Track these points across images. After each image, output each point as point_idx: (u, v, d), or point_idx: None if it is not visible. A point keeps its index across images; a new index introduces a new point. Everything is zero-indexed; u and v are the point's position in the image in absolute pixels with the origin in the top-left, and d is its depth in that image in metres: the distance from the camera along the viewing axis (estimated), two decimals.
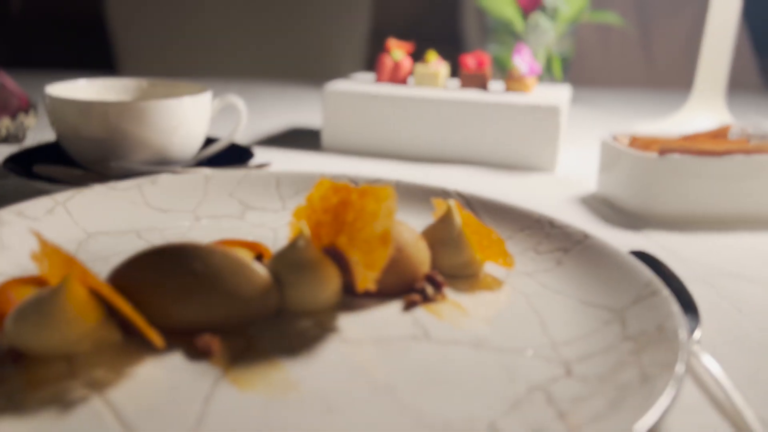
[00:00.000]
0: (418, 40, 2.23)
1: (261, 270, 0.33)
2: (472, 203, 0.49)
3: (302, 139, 0.80)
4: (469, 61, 0.74)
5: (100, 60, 1.75)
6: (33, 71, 1.36)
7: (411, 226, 0.46)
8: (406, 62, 0.76)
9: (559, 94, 0.73)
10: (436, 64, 0.75)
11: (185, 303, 0.31)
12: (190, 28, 1.69)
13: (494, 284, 0.39)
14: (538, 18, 0.94)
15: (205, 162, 0.60)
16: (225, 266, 0.32)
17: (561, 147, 0.68)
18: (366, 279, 0.33)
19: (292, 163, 0.69)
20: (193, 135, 0.56)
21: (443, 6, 2.39)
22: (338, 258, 0.36)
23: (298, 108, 1.04)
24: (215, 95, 0.61)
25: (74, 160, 0.55)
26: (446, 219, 0.40)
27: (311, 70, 1.66)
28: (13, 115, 0.71)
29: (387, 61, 0.76)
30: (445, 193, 0.50)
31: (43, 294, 0.30)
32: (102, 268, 0.38)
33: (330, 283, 0.34)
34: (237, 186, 0.51)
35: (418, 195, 0.51)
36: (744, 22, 1.90)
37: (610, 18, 1.02)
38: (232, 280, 0.32)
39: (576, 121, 0.97)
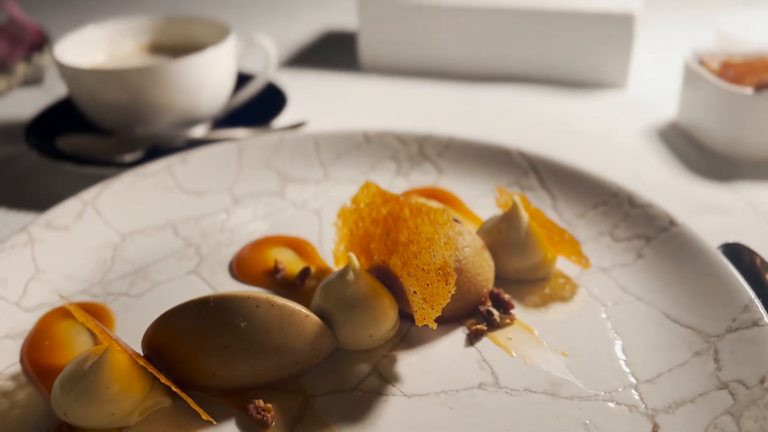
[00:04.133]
0: None
1: (311, 317, 0.30)
2: (538, 167, 0.43)
3: (336, 51, 0.72)
4: None
5: None
6: None
7: (462, 200, 0.42)
8: None
9: None
10: None
11: (233, 364, 0.29)
12: None
13: (567, 289, 0.35)
14: None
15: (235, 112, 0.55)
16: (272, 319, 0.29)
17: (635, 60, 0.60)
18: (425, 315, 0.30)
19: (330, 90, 0.63)
20: (219, 88, 0.50)
21: None
22: (391, 280, 0.32)
23: (341, 4, 0.94)
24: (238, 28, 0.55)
25: (99, 128, 0.51)
26: (511, 219, 0.35)
27: None
28: (28, 54, 0.66)
29: None
30: (506, 154, 0.45)
31: (85, 367, 0.27)
32: (142, 286, 0.36)
33: (386, 319, 0.31)
34: (273, 154, 0.46)
35: (476, 155, 0.46)
36: None
37: None
38: (280, 333, 0.29)
39: (657, 22, 0.85)
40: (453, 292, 0.29)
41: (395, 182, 0.45)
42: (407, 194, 0.43)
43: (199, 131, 0.53)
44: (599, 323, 0.33)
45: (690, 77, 0.50)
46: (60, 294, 0.34)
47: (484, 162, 0.45)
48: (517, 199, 0.36)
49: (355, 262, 0.31)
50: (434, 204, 0.35)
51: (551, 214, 0.41)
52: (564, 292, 0.35)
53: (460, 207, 0.42)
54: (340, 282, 0.31)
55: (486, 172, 0.45)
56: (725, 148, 0.48)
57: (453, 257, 0.29)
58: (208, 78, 0.49)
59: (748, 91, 0.45)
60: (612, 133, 0.53)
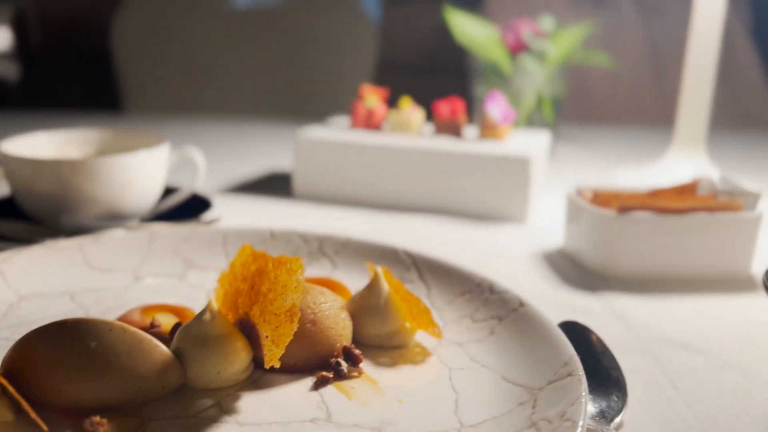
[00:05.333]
0: (429, 72, 2.22)
1: (161, 347, 0.32)
2: (418, 263, 0.48)
3: (278, 184, 0.79)
4: (443, 107, 0.73)
5: (107, 97, 1.79)
6: (39, 111, 1.39)
7: (350, 290, 0.45)
8: (380, 108, 0.75)
9: (535, 142, 0.71)
10: (409, 110, 0.74)
11: (78, 381, 0.30)
12: (195, 66, 1.71)
13: (421, 356, 0.38)
14: (525, 61, 0.94)
15: (162, 215, 0.60)
16: (121, 343, 0.31)
17: (533, 198, 0.67)
18: (272, 355, 0.32)
19: (260, 212, 0.69)
20: (147, 190, 0.56)
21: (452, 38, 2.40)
22: (251, 329, 0.35)
23: (286, 150, 1.03)
24: (195, 141, 0.61)
25: (30, 216, 0.55)
26: (373, 287, 0.39)
27: (316, 108, 1.67)
28: None
29: (360, 108, 0.75)
30: (393, 252, 0.49)
31: None
32: (23, 333, 0.38)
33: (236, 360, 0.33)
34: (183, 243, 0.50)
35: (369, 253, 0.50)
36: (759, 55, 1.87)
37: (601, 59, 1.01)
38: (127, 358, 0.31)
39: (562, 166, 0.95)
40: (304, 327, 0.32)
41: None
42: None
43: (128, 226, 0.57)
44: (441, 381, 0.35)
45: (571, 206, 0.56)
46: None
47: (374, 259, 0.49)
48: (380, 270, 0.39)
49: (213, 304, 0.34)
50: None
51: (425, 302, 0.44)
52: (416, 357, 0.38)
53: (344, 292, 0.46)
54: (197, 321, 0.34)
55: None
56: (599, 267, 0.53)
57: (300, 298, 0.33)
58: (137, 176, 0.54)
59: (612, 213, 0.51)
60: (506, 257, 0.58)
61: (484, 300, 0.42)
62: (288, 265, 0.34)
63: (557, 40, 0.97)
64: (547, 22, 0.96)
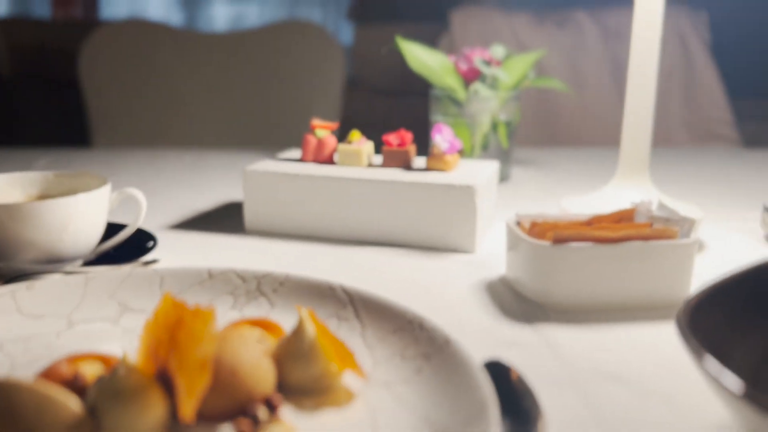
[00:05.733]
0: (400, 94, 2.22)
1: (72, 405, 0.32)
2: (355, 300, 0.48)
3: (232, 217, 0.79)
4: (392, 138, 0.74)
5: (76, 128, 1.78)
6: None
7: (285, 331, 0.45)
8: (330, 140, 0.76)
9: (482, 170, 0.72)
10: (358, 142, 0.75)
11: None
12: (163, 95, 1.71)
13: (346, 399, 0.38)
14: (478, 88, 0.95)
15: (106, 255, 0.60)
16: (28, 404, 0.31)
17: (481, 227, 0.68)
18: (185, 407, 0.32)
19: (210, 247, 0.69)
20: (87, 232, 0.55)
21: None
22: (169, 382, 0.35)
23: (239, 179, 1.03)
24: (137, 183, 0.61)
25: None
26: (298, 330, 0.39)
27: (288, 135, 1.68)
28: None
29: (311, 140, 0.76)
30: (330, 289, 0.49)
31: None
32: None
33: (151, 413, 0.33)
34: (119, 286, 0.50)
35: (307, 291, 0.50)
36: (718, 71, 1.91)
37: (554, 84, 1.03)
38: (35, 419, 0.31)
39: (515, 192, 0.96)
40: (222, 377, 0.32)
41: (229, 314, 0.49)
42: (236, 323, 0.47)
43: (67, 269, 0.57)
44: (363, 424, 0.35)
45: (510, 236, 0.57)
46: None
47: (312, 296, 0.49)
48: (304, 312, 0.39)
49: (129, 358, 0.34)
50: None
51: (358, 340, 0.44)
52: (342, 401, 0.38)
53: (280, 334, 0.46)
54: (111, 375, 0.33)
55: (311, 304, 0.49)
56: (537, 297, 0.54)
57: (213, 349, 0.33)
58: (75, 219, 0.54)
59: (547, 243, 0.52)
60: (449, 289, 0.58)
61: (414, 338, 0.42)
62: (203, 316, 0.34)
63: (509, 67, 0.98)
64: (498, 51, 0.97)
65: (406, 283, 0.59)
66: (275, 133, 1.72)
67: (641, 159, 0.71)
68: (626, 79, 0.70)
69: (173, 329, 0.36)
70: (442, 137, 0.72)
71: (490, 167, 0.74)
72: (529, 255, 0.53)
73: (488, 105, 0.96)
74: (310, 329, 0.39)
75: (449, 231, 0.67)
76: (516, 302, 0.55)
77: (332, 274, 0.62)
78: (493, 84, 0.96)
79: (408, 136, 0.74)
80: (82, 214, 0.54)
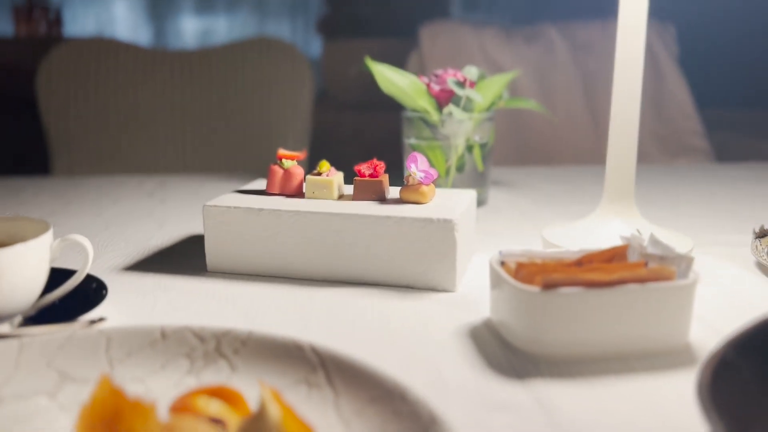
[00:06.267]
0: (371, 108, 2.18)
1: None
2: (326, 363, 0.43)
3: (191, 255, 0.73)
4: (364, 168, 0.69)
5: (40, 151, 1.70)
6: None
7: (247, 401, 0.40)
8: (297, 171, 0.71)
9: (459, 201, 0.68)
10: (328, 173, 0.70)
11: None
12: (127, 118, 1.64)
13: None
14: (452, 110, 0.91)
15: (46, 309, 0.53)
16: None
17: (461, 263, 0.63)
18: None
19: (163, 292, 0.63)
20: (24, 287, 0.49)
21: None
22: None
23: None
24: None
25: None
26: (259, 416, 0.34)
27: (256, 157, 1.62)
28: None
29: (277, 171, 0.70)
30: (298, 349, 0.44)
31: None
32: None
33: None
34: (58, 352, 0.44)
35: (272, 351, 0.45)
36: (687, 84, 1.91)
37: (529, 104, 0.99)
38: None
39: (494, 217, 0.92)
40: None
41: (185, 381, 0.43)
42: (192, 393, 0.41)
43: (2, 328, 0.50)
44: None
45: (494, 277, 0.52)
46: None
47: (278, 358, 0.44)
48: (267, 394, 0.34)
49: None
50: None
51: (331, 412, 0.39)
52: None
53: (241, 406, 0.40)
54: None
55: (278, 368, 0.43)
56: (526, 346, 0.49)
57: None
58: (11, 274, 0.48)
59: (536, 290, 0.47)
60: (429, 331, 0.54)
61: (393, 411, 0.37)
62: (142, 412, 0.29)
63: (483, 88, 0.94)
64: (471, 72, 0.93)
65: (382, 328, 0.55)
66: (244, 153, 1.66)
67: (626, 185, 0.67)
68: (596, 94, 0.66)
69: (111, 422, 0.31)
70: (417, 167, 0.68)
71: (468, 197, 0.70)
72: (516, 301, 0.49)
73: (463, 127, 0.92)
74: (274, 413, 0.34)
75: (427, 268, 0.62)
76: (503, 352, 0.50)
77: (301, 318, 0.57)
78: (467, 106, 0.92)
79: (381, 165, 0.70)
80: (19, 266, 0.48)
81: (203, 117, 1.66)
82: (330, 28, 3.40)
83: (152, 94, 1.65)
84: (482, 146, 0.95)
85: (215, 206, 0.67)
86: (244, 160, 1.64)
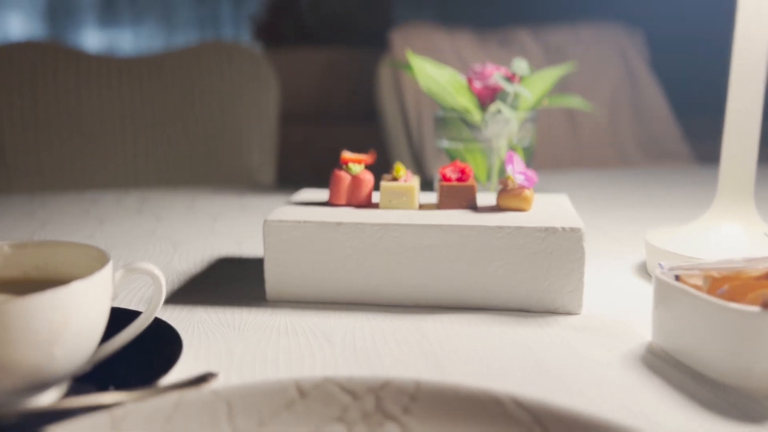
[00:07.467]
0: (325, 119, 2.07)
1: None
2: (543, 420, 0.32)
3: (233, 279, 0.61)
4: (449, 171, 0.59)
5: None
6: None
7: None
8: (367, 177, 0.60)
9: (562, 207, 0.59)
10: (406, 179, 0.59)
11: None
12: (72, 130, 1.46)
13: None
14: (500, 107, 0.82)
15: (104, 365, 0.40)
16: None
17: (586, 281, 0.54)
18: None
19: (229, 328, 0.50)
20: (85, 337, 0.36)
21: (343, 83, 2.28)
22: None
23: (215, 225, 0.84)
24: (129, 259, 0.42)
25: None
26: None
27: (221, 173, 1.48)
28: None
29: (343, 177, 0.59)
30: (496, 403, 0.33)
31: None
32: None
33: None
34: (166, 426, 0.32)
35: (456, 408, 0.34)
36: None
37: (574, 102, 0.91)
38: None
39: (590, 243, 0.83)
40: None
41: None
42: None
43: (48, 397, 0.37)
44: None
45: (664, 292, 0.43)
46: None
47: (469, 417, 0.33)
48: None
49: None
50: None
51: None
52: None
53: None
54: None
55: (472, 430, 0.32)
56: (730, 378, 0.40)
57: None
58: (69, 323, 0.35)
59: (755, 309, 0.39)
60: (590, 364, 0.44)
61: None
62: None
63: (529, 84, 0.86)
64: (521, 67, 0.85)
65: (534, 364, 0.44)
66: (207, 162, 1.51)
67: (745, 182, 0.60)
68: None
69: None
70: (514, 168, 0.58)
71: (565, 202, 0.61)
72: (722, 324, 0.40)
73: (508, 127, 0.83)
74: None
75: (550, 287, 0.53)
76: (694, 383, 0.41)
77: (431, 353, 0.45)
78: (514, 103, 0.84)
79: (468, 168, 0.59)
80: (78, 310, 0.35)
81: (157, 126, 1.50)
82: (272, 35, 3.27)
83: (98, 106, 1.48)
84: (526, 149, 0.87)
85: (280, 221, 0.54)
86: (207, 170, 1.50)
